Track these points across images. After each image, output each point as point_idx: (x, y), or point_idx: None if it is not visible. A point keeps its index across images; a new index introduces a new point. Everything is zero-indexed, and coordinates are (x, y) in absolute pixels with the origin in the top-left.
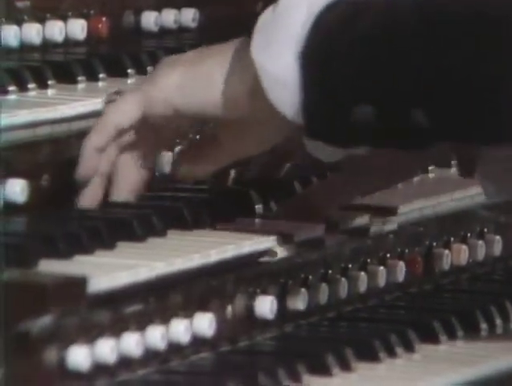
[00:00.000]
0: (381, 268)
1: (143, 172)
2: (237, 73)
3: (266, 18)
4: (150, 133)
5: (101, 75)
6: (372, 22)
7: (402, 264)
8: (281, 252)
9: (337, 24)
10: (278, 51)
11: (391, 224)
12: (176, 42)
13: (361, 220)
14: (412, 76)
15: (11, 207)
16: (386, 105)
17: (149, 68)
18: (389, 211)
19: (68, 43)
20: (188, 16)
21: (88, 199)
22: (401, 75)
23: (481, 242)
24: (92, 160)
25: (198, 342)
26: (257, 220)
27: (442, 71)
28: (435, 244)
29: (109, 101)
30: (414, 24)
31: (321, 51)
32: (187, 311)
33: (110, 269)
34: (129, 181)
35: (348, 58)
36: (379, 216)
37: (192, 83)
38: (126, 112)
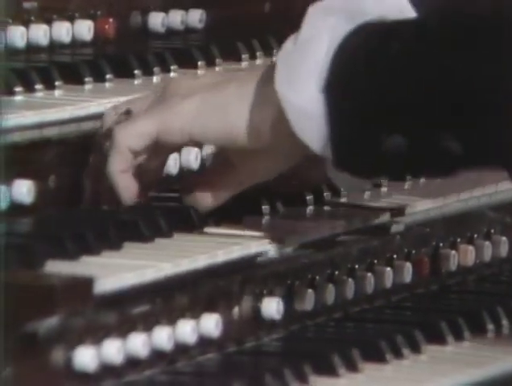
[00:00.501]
0: (388, 268)
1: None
2: (258, 104)
3: (287, 49)
4: (158, 151)
5: (108, 76)
6: (396, 50)
7: (408, 265)
8: (274, 253)
9: (360, 53)
10: (302, 83)
11: (398, 225)
12: (183, 43)
13: (380, 220)
14: (443, 103)
15: (18, 208)
16: (417, 134)
17: (156, 69)
18: (396, 212)
19: (75, 43)
20: (195, 17)
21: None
22: (431, 102)
23: (487, 243)
24: (127, 181)
25: (204, 342)
26: (264, 220)
27: (473, 98)
28: (441, 244)
29: (118, 122)
30: (443, 51)
31: (345, 82)
32: (194, 312)
33: (117, 270)
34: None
35: (374, 88)
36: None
37: (211, 112)
38: (139, 136)
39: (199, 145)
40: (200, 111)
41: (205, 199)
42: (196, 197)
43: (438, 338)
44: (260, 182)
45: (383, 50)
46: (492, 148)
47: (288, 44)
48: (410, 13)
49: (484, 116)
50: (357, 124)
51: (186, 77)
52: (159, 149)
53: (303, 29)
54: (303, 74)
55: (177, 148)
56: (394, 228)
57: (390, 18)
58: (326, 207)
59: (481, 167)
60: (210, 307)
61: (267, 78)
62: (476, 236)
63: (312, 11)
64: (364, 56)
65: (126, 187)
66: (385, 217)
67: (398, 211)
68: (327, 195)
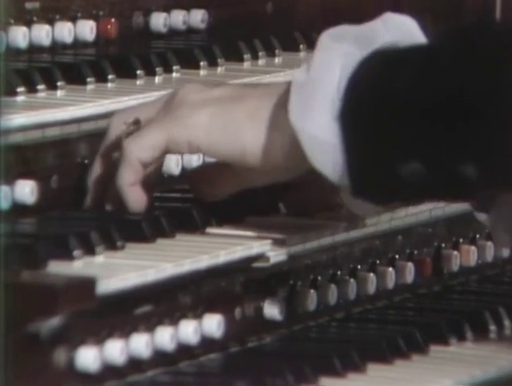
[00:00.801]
0: (390, 269)
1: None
2: (272, 130)
3: (300, 77)
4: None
5: (110, 77)
6: (408, 76)
7: (410, 266)
8: (274, 257)
9: (374, 80)
10: (316, 112)
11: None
12: (185, 43)
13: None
14: (458, 128)
15: (21, 208)
16: (433, 160)
17: (158, 69)
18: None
19: (77, 44)
20: (197, 17)
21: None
22: (446, 128)
23: (489, 243)
24: (137, 194)
25: (207, 343)
26: (266, 221)
27: (488, 122)
28: (444, 245)
29: (128, 134)
30: (458, 75)
31: (360, 110)
32: (196, 312)
33: (119, 270)
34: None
35: (388, 115)
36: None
37: (221, 129)
38: (149, 148)
39: None
40: (210, 127)
41: (210, 191)
42: (202, 188)
43: (440, 339)
44: (266, 184)
45: (395, 77)
46: (509, 171)
47: (301, 72)
48: (421, 38)
49: (499, 140)
50: (373, 153)
51: (195, 86)
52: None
53: (315, 56)
54: (316, 102)
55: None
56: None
57: (402, 44)
58: None
59: (498, 190)
60: (212, 307)
61: (281, 103)
62: (478, 236)
63: (324, 38)
64: (377, 84)
65: (136, 200)
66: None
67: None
68: None
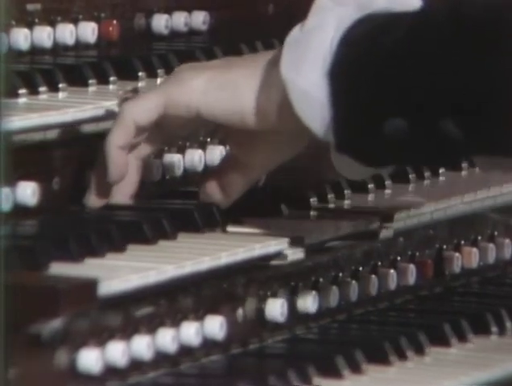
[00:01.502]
0: (392, 271)
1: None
2: (266, 86)
3: (294, 35)
4: (157, 134)
5: (111, 78)
6: (398, 39)
7: (412, 267)
8: (292, 255)
9: (365, 39)
10: (307, 68)
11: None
12: (187, 45)
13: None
14: (444, 90)
15: (22, 210)
16: (417, 118)
17: (159, 71)
18: (385, 217)
19: (79, 46)
20: (199, 19)
21: (122, 196)
22: (431, 87)
23: (491, 245)
24: (121, 158)
25: (209, 344)
26: (267, 221)
27: (474, 85)
28: (445, 247)
29: (124, 99)
30: (445, 38)
31: (349, 66)
32: (198, 314)
33: (121, 272)
34: (130, 183)
35: (376, 73)
36: (389, 221)
37: (218, 90)
38: (147, 110)
39: (199, 124)
40: (208, 88)
41: (219, 196)
42: (211, 194)
43: (442, 341)
44: (266, 173)
45: (384, 37)
46: (493, 135)
47: (295, 31)
48: (416, 3)
49: (485, 103)
50: (359, 108)
51: (192, 63)
52: (161, 131)
53: (310, 16)
54: (308, 58)
55: (179, 129)
56: (383, 234)
57: (397, 8)
58: (313, 212)
59: (482, 155)
60: (214, 309)
61: (275, 61)
62: (480, 238)
63: (319, 0)
64: (365, 42)
65: (119, 166)
66: (374, 224)
67: (387, 217)
68: (331, 197)
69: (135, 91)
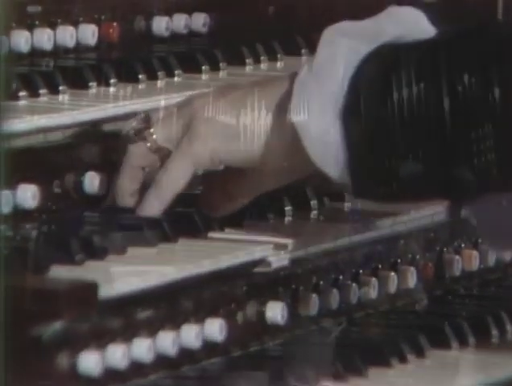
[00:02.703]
0: (392, 273)
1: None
2: (277, 131)
3: (302, 77)
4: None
5: (112, 81)
6: (408, 74)
7: (413, 270)
8: (277, 262)
9: (376, 79)
10: (319, 112)
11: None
12: (187, 47)
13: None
14: (457, 130)
15: (22, 213)
16: (431, 161)
17: (160, 73)
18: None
19: (79, 48)
20: (199, 21)
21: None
22: (445, 129)
23: None
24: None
25: (209, 347)
26: (267, 225)
27: (486, 126)
28: (445, 249)
29: (138, 131)
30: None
31: (361, 108)
32: (198, 317)
33: (121, 275)
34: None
35: (388, 114)
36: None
37: (234, 139)
38: (182, 177)
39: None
40: (225, 138)
41: (222, 205)
42: (213, 203)
43: (442, 343)
44: (276, 188)
45: (398, 75)
46: (505, 175)
47: (303, 73)
48: (428, 28)
49: (497, 145)
50: (373, 151)
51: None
52: None
53: (317, 54)
54: (319, 102)
55: None
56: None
57: (408, 37)
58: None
59: (494, 193)
60: (214, 312)
61: (284, 104)
62: (480, 240)
63: (327, 34)
64: (379, 85)
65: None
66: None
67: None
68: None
69: (147, 119)
